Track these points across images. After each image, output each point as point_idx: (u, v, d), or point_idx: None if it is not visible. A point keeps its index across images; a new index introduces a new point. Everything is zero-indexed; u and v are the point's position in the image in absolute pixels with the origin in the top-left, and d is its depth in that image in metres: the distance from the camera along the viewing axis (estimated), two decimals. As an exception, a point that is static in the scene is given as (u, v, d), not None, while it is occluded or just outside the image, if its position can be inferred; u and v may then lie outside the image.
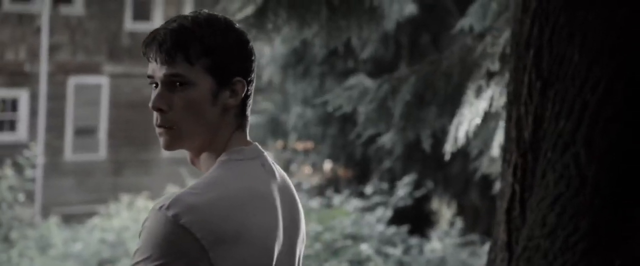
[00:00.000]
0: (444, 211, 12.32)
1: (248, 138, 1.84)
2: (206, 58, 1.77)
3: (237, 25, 1.84)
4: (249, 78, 1.82)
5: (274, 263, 1.77)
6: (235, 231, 1.71)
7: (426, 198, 12.37)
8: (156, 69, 1.79)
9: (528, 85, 3.60)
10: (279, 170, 1.87)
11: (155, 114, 1.79)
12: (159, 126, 1.79)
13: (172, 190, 12.74)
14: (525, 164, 3.62)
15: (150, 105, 1.79)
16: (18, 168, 12.10)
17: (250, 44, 1.83)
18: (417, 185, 10.97)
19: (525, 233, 3.56)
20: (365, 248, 8.39)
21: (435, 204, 12.75)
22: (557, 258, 3.42)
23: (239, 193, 1.74)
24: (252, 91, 1.84)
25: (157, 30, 1.80)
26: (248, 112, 1.83)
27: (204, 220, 1.69)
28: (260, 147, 1.86)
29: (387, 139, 6.09)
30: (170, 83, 1.78)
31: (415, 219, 11.30)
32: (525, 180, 3.63)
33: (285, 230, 1.81)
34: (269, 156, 1.88)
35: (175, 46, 1.76)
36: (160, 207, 1.70)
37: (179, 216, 1.68)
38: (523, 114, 3.62)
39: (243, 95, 1.81)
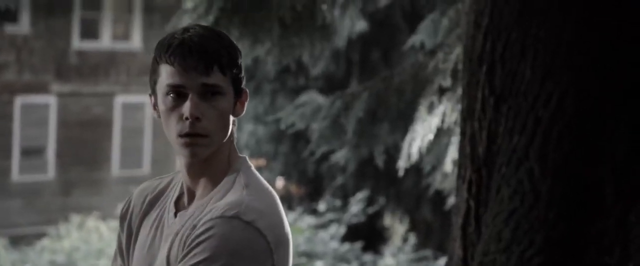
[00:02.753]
0: (397, 227, 12.36)
1: None
2: (232, 69, 1.82)
3: None
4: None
5: None
6: (287, 233, 1.81)
7: (379, 215, 12.39)
8: (188, 78, 1.79)
9: (481, 100, 3.62)
10: None
11: (184, 123, 1.79)
12: (193, 135, 1.80)
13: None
14: (479, 180, 3.63)
15: (187, 114, 1.78)
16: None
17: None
18: (369, 201, 10.99)
19: (481, 248, 3.56)
20: (320, 265, 8.38)
21: (387, 220, 12.79)
22: (513, 273, 3.43)
23: (276, 198, 1.82)
24: None
25: (182, 38, 1.80)
26: None
27: (270, 224, 1.77)
28: None
29: (340, 156, 6.10)
30: (204, 93, 1.80)
31: (368, 235, 11.31)
32: (480, 196, 3.64)
33: None
34: None
35: (214, 56, 1.79)
36: (233, 215, 1.73)
37: (255, 221, 1.74)
38: (477, 130, 3.64)
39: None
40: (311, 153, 6.46)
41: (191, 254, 1.74)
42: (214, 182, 1.83)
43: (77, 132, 17.64)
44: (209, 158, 1.82)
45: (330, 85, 11.38)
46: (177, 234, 1.83)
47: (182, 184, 1.89)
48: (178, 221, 1.85)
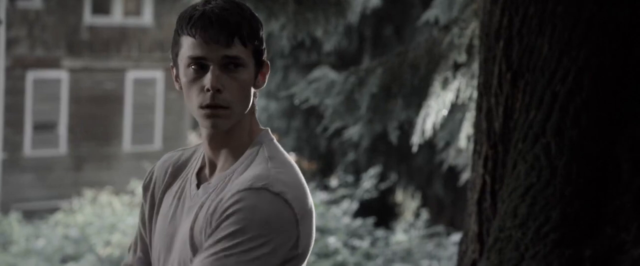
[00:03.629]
0: (409, 203, 12.36)
1: None
2: (253, 40, 1.81)
3: None
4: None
5: None
6: (311, 205, 1.83)
7: (391, 191, 12.39)
8: (209, 50, 1.79)
9: (498, 76, 3.60)
10: None
11: (205, 95, 1.80)
12: (215, 106, 1.80)
13: (134, 184, 12.65)
14: (495, 155, 3.63)
15: (208, 85, 1.79)
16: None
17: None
18: (382, 177, 10.99)
19: (497, 224, 3.56)
20: (333, 240, 8.40)
21: (399, 196, 12.78)
22: (529, 249, 3.43)
23: (299, 170, 1.84)
24: None
25: (203, 10, 1.80)
26: None
27: (296, 196, 1.79)
28: None
29: (353, 132, 6.08)
30: (225, 65, 1.80)
31: (380, 211, 11.32)
32: (496, 171, 3.63)
33: None
34: None
35: (235, 28, 1.79)
36: (261, 187, 1.75)
37: (283, 193, 1.76)
38: (493, 105, 3.63)
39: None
40: (324, 129, 6.45)
41: (222, 226, 1.75)
42: (236, 154, 1.84)
43: (89, 107, 17.67)
44: (231, 130, 1.82)
45: (343, 61, 11.35)
46: (201, 206, 1.83)
47: (203, 156, 1.89)
48: (201, 192, 1.86)
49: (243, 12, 1.81)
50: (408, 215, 11.70)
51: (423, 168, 11.91)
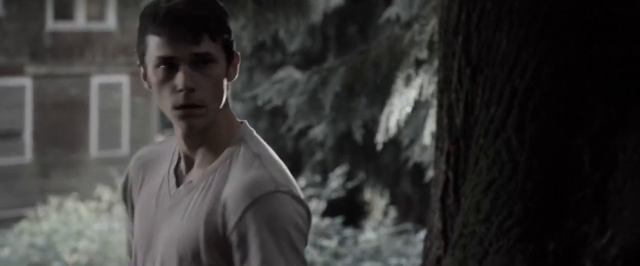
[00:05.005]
0: (377, 201, 12.36)
1: None
2: (222, 34, 1.76)
3: None
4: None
5: None
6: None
7: (359, 189, 12.40)
8: (178, 48, 1.73)
9: (458, 71, 3.60)
10: None
11: (178, 95, 1.74)
12: (190, 106, 1.74)
13: (100, 190, 12.53)
14: (457, 151, 3.63)
15: (180, 86, 1.73)
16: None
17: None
18: (349, 176, 10.99)
19: (460, 220, 3.56)
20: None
21: (368, 195, 12.79)
22: (493, 244, 3.43)
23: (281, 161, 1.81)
24: None
25: (167, 7, 1.74)
26: None
27: (297, 191, 1.76)
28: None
29: (318, 131, 6.07)
30: (196, 62, 1.74)
31: (348, 210, 11.32)
32: (458, 167, 3.63)
33: None
34: None
35: (203, 23, 1.73)
36: (273, 190, 1.71)
37: (292, 191, 1.74)
38: (454, 101, 3.63)
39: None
40: (289, 129, 6.43)
41: (254, 245, 1.68)
42: (216, 150, 1.79)
43: (54, 113, 17.53)
44: (207, 127, 1.77)
45: (308, 61, 11.33)
46: (187, 208, 1.77)
47: (179, 151, 1.84)
48: (183, 191, 1.80)
49: (208, 5, 1.75)
50: (377, 213, 11.71)
51: (390, 166, 11.94)
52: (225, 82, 1.77)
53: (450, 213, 3.66)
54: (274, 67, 10.52)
